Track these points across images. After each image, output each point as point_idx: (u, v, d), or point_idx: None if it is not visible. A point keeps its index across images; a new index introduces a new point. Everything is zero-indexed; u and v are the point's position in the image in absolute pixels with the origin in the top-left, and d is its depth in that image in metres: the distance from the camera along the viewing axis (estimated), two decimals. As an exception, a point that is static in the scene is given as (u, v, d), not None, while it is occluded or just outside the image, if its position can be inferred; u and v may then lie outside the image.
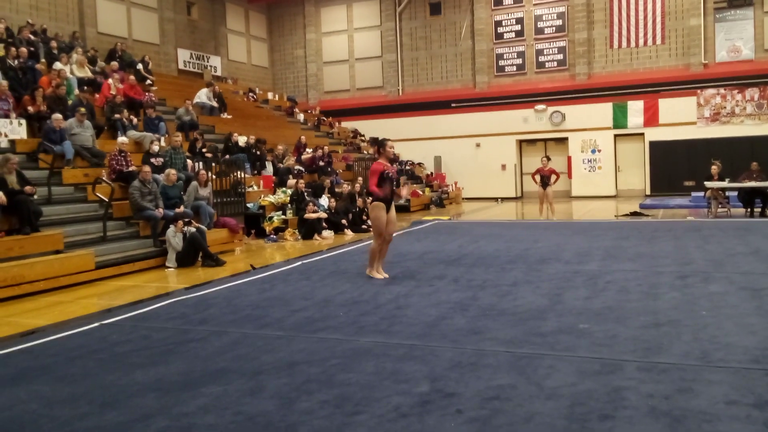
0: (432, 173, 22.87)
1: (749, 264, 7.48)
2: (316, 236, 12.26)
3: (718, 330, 4.74)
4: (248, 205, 13.11)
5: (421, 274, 7.66)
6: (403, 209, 17.77)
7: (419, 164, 23.03)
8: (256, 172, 14.63)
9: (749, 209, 13.68)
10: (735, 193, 14.09)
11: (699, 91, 20.18)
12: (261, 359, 4.43)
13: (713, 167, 14.24)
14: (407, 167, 21.58)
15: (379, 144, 7.47)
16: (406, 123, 23.63)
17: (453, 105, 23.23)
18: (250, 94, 22.75)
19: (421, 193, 19.82)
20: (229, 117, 18.14)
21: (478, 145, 22.83)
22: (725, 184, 13.88)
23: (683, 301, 5.72)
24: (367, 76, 25.37)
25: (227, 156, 14.17)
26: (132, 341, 5.10)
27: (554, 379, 3.83)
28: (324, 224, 12.66)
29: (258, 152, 15.12)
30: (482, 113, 22.77)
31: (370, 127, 24.18)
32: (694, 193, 16.59)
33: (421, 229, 13.28)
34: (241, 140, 15.21)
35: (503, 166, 22.59)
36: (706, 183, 14.28)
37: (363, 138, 23.79)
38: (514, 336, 4.79)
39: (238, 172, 12.85)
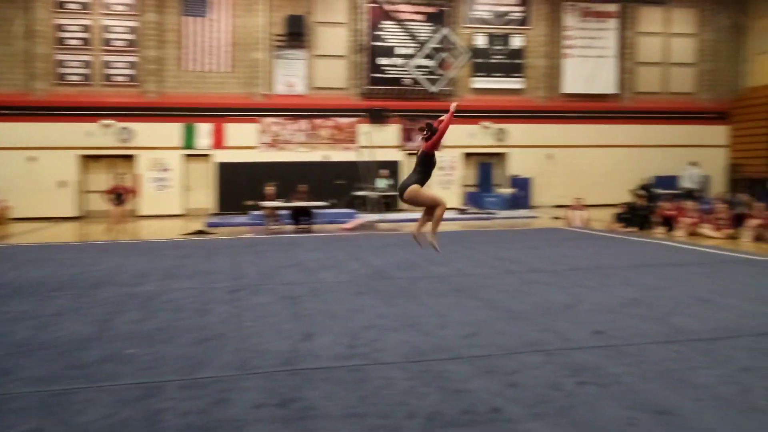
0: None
1: (292, 275, 8.39)
2: None
3: (258, 338, 5.14)
4: None
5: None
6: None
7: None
8: None
9: (297, 225, 15.56)
10: (288, 212, 15.86)
11: (261, 118, 22.07)
12: None
13: (268, 188, 15.81)
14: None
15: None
16: (-65, 128, 19.51)
17: (2, 112, 20.16)
18: None
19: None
20: None
21: (32, 159, 20.29)
22: (277, 203, 15.53)
23: (232, 314, 6.06)
24: None
25: None
26: None
27: (88, 414, 3.58)
28: None
29: None
30: (39, 124, 20.31)
31: None
32: (253, 212, 17.96)
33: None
34: None
35: (62, 183, 20.59)
36: (261, 203, 15.75)
37: None
38: (50, 372, 4.32)
39: None
